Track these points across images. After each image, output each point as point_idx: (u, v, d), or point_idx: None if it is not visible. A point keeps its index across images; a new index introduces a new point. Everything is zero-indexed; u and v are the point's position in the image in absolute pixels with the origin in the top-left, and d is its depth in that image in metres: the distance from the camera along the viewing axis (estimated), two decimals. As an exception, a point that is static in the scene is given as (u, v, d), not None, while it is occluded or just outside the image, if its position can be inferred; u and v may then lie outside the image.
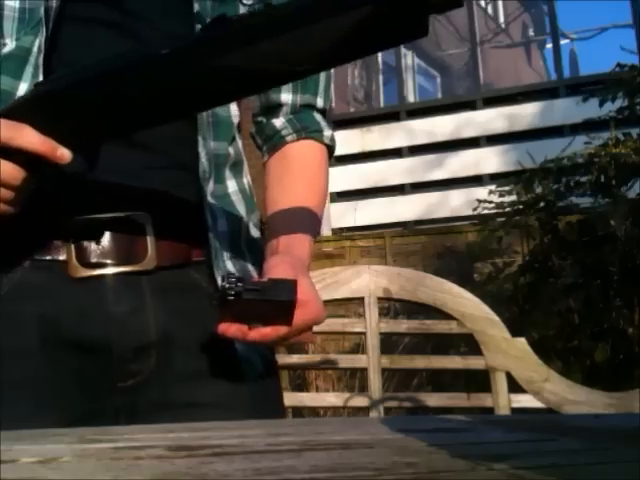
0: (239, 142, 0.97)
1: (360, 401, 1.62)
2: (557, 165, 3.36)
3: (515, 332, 1.58)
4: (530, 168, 3.50)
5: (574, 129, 4.59)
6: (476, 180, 5.34)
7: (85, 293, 0.83)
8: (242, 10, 0.92)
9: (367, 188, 5.63)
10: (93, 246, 0.83)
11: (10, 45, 0.84)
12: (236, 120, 0.96)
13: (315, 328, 0.88)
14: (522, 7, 10.90)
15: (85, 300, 0.83)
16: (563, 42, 8.69)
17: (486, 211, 3.60)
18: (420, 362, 1.71)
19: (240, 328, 0.79)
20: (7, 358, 0.82)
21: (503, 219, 3.54)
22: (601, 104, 3.27)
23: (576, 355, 2.91)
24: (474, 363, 1.57)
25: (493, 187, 3.57)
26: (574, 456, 0.52)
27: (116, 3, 0.87)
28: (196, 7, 0.88)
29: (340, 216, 5.36)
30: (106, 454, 0.49)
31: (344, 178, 5.34)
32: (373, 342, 1.58)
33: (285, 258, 0.86)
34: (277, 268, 0.83)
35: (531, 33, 11.66)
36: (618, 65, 3.34)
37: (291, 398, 1.70)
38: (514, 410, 1.51)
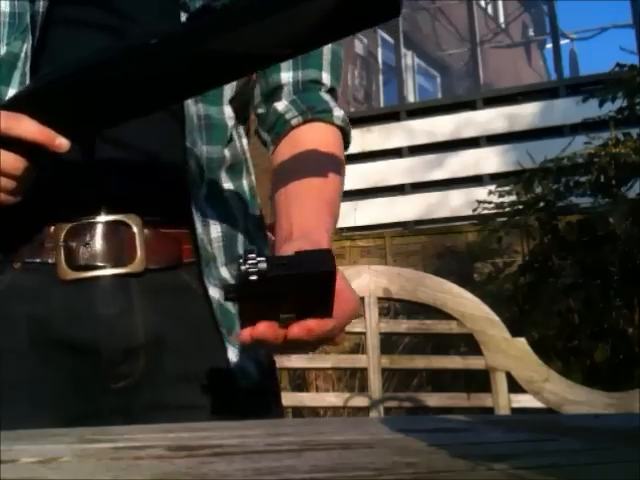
0: (239, 143, 0.94)
1: (360, 401, 1.62)
2: (557, 165, 3.37)
3: (515, 332, 1.58)
4: (530, 168, 3.51)
5: (574, 129, 4.61)
6: (476, 180, 5.35)
7: (75, 295, 0.83)
8: None
9: (367, 188, 5.64)
10: (82, 249, 0.83)
11: (1, 50, 0.83)
12: (231, 122, 0.91)
13: None
14: (522, 7, 10.91)
15: (75, 302, 0.83)
16: (563, 42, 8.71)
17: (486, 211, 3.60)
18: (420, 362, 1.72)
19: (270, 326, 0.65)
20: (1, 359, 0.82)
21: (503, 219, 3.54)
22: (601, 104, 3.28)
23: (576, 355, 2.91)
24: (474, 363, 1.57)
25: (493, 187, 3.58)
26: (574, 456, 0.52)
27: (107, 5, 0.86)
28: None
29: (340, 216, 5.35)
30: (106, 454, 0.49)
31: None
32: (373, 342, 1.58)
33: (303, 242, 0.72)
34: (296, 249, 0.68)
35: (531, 33, 11.67)
36: (618, 65, 3.34)
37: (291, 398, 1.70)
38: (514, 410, 1.51)
